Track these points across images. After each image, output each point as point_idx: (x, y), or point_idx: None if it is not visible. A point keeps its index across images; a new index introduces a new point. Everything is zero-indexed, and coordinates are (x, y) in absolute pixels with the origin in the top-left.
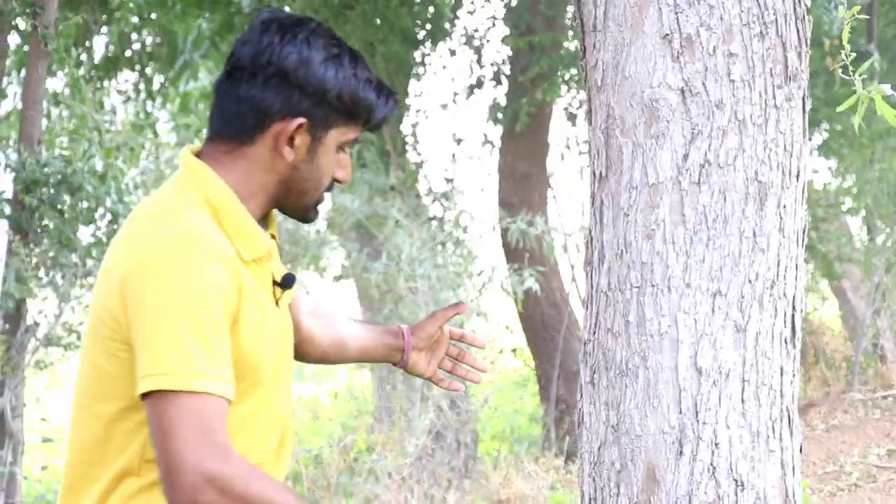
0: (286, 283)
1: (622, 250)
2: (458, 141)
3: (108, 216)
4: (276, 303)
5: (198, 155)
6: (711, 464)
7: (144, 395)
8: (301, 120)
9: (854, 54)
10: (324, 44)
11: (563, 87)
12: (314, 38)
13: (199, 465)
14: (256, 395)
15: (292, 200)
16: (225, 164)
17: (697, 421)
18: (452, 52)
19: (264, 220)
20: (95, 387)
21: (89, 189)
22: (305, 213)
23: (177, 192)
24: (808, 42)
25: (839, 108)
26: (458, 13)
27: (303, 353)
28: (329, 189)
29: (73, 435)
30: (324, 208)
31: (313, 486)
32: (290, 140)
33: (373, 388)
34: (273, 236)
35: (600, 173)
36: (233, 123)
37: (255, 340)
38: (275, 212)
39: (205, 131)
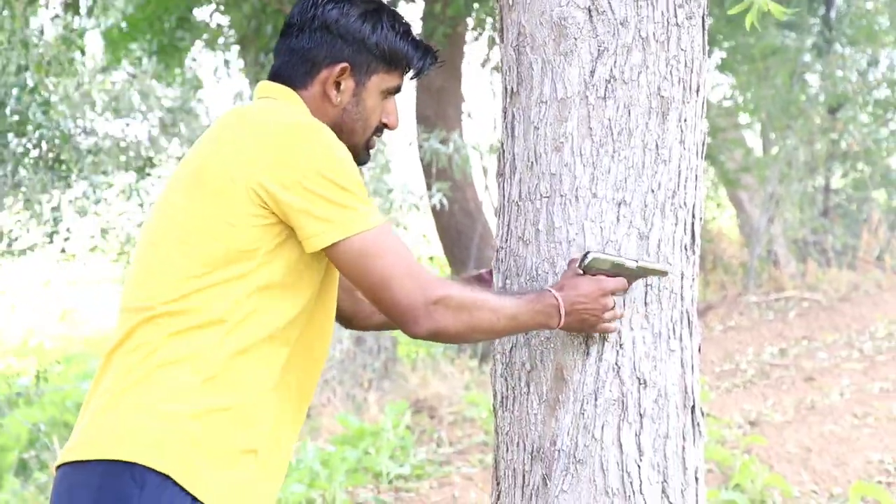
0: None
1: (532, 162)
2: None
3: (37, 132)
4: None
5: None
6: (616, 363)
7: (332, 248)
8: (344, 64)
9: None
10: (363, 1)
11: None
12: (365, 3)
13: (428, 299)
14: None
15: (343, 140)
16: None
17: None
18: None
19: None
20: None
21: (12, 103)
22: (357, 154)
23: (285, 106)
24: None
25: (731, 11)
26: None
27: None
28: (378, 133)
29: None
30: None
31: None
32: (337, 85)
33: None
34: None
35: (511, 89)
36: (288, 73)
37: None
38: None
39: (133, 46)
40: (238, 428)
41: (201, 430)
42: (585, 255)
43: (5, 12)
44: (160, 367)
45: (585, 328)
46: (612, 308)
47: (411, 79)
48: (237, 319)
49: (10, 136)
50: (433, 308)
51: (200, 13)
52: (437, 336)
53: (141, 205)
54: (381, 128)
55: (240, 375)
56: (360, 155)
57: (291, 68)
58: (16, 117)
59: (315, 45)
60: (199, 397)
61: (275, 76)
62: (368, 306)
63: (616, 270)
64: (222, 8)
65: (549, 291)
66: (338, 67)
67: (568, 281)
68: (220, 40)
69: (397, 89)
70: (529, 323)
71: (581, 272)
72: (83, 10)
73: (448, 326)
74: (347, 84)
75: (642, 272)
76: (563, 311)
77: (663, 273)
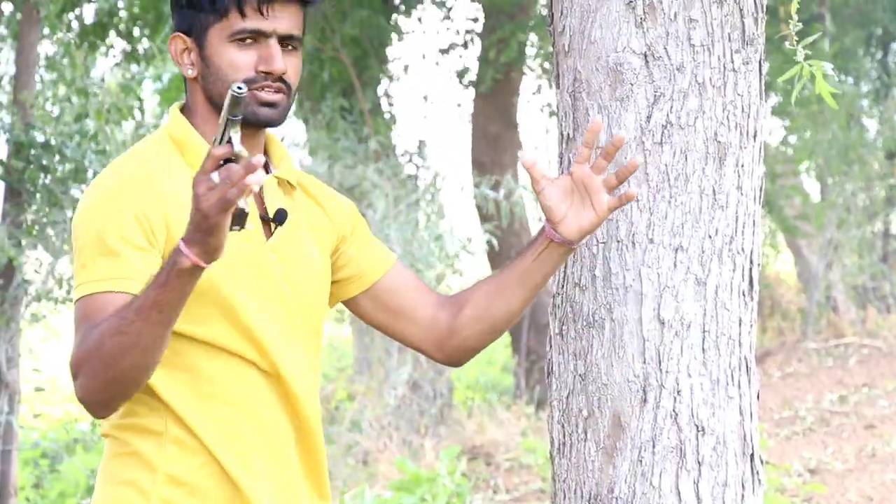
0: (277, 218)
1: None
2: (426, 98)
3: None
4: (269, 234)
5: None
6: (674, 410)
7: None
8: (181, 35)
9: (800, 25)
10: None
11: (530, 51)
12: None
13: (72, 360)
14: (228, 320)
15: (219, 108)
16: (185, 100)
17: (660, 370)
18: (420, 20)
19: (268, 153)
20: None
21: (67, 153)
22: (248, 115)
23: (151, 137)
24: (765, 8)
25: (780, 79)
26: None
27: (465, 339)
28: (265, 84)
29: None
30: (281, 109)
31: None
32: (185, 58)
33: (352, 340)
34: (277, 178)
35: (567, 134)
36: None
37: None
38: (283, 150)
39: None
40: None
41: None
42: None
43: (65, 60)
44: None
45: (207, 228)
46: (215, 188)
47: (256, 9)
48: None
49: (70, 183)
50: (76, 379)
51: None
52: (85, 404)
53: None
54: (262, 77)
55: None
56: (258, 114)
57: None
58: (72, 165)
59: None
60: None
61: None
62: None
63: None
64: None
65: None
66: (177, 40)
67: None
68: None
69: (246, 31)
70: (161, 287)
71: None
72: (141, 59)
73: (86, 387)
74: (191, 50)
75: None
76: (183, 246)
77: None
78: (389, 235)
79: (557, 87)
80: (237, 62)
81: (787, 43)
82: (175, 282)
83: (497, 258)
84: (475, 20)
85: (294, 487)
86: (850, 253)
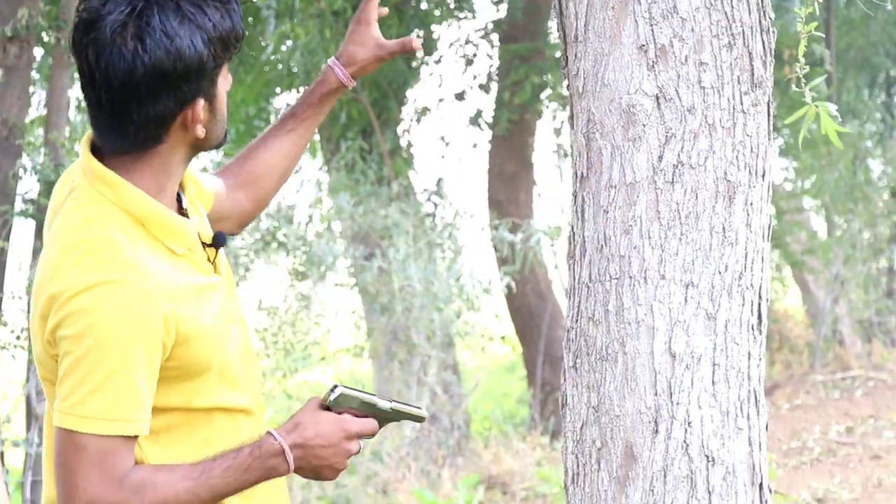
0: (217, 242)
1: (602, 244)
2: (443, 139)
3: None
4: (215, 268)
5: (101, 160)
6: (685, 441)
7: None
8: (200, 101)
9: (807, 67)
10: (176, 18)
11: (546, 92)
12: (166, 20)
13: (89, 496)
14: (223, 379)
15: (209, 147)
16: (138, 169)
17: (672, 402)
18: (438, 61)
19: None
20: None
21: None
22: (220, 145)
23: (100, 215)
24: (773, 52)
25: (787, 121)
26: (450, 25)
27: (265, 192)
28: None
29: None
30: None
31: None
32: (199, 121)
33: (372, 373)
34: (190, 201)
35: (581, 173)
36: (136, 141)
37: (210, 333)
38: (190, 172)
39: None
40: None
41: None
42: (333, 389)
43: None
44: None
45: (321, 474)
46: (357, 452)
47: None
48: None
49: None
50: None
51: (278, 101)
52: None
53: None
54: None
55: None
56: (224, 142)
57: (141, 135)
58: None
59: (161, 102)
60: None
61: (121, 147)
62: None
63: (366, 410)
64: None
65: (271, 435)
66: (195, 107)
67: (305, 416)
68: None
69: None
70: (249, 480)
71: (326, 408)
72: None
73: None
74: (205, 110)
75: (396, 415)
76: (289, 456)
77: (419, 419)
78: (411, 274)
79: (572, 127)
80: (225, 99)
81: (794, 86)
82: (264, 474)
83: (514, 298)
84: (491, 66)
85: None
86: (855, 288)
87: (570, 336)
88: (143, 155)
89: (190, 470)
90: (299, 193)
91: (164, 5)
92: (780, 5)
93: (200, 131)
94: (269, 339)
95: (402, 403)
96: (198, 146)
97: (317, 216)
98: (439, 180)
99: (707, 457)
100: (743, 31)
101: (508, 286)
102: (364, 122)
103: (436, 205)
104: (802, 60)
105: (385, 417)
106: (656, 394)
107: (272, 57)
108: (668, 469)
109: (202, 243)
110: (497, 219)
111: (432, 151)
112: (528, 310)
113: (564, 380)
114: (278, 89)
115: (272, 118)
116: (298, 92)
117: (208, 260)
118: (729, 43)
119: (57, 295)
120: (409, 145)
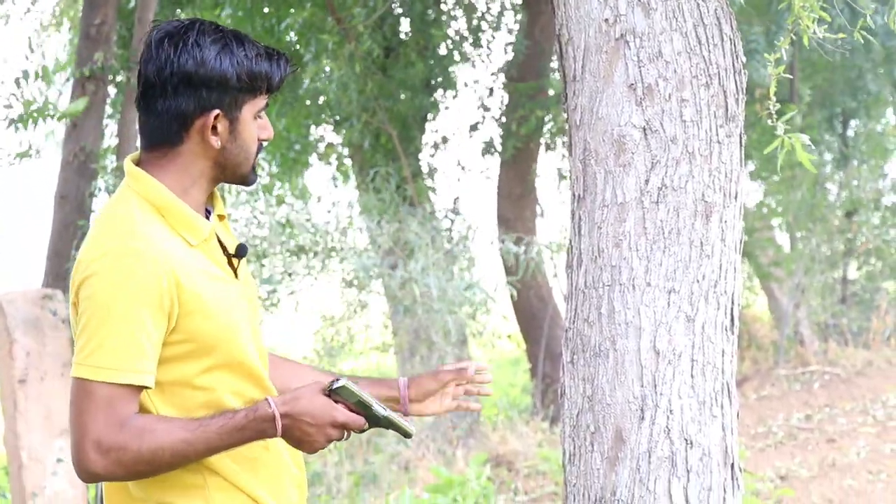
0: (239, 252)
1: (596, 256)
2: (459, 163)
3: None
4: (235, 273)
5: (139, 163)
6: (667, 426)
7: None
8: (215, 111)
9: (778, 105)
10: (212, 39)
11: (548, 125)
12: (202, 38)
13: (94, 436)
14: (241, 373)
15: (230, 173)
16: (163, 166)
17: (656, 392)
18: (455, 95)
19: (211, 200)
20: None
21: None
22: (245, 180)
23: (125, 200)
24: (745, 91)
25: (765, 151)
26: (465, 65)
27: None
28: (259, 151)
29: None
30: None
31: (349, 445)
32: (213, 129)
33: (396, 366)
34: (221, 216)
35: (578, 195)
36: (160, 133)
37: (217, 312)
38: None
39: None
40: None
41: None
42: (337, 380)
43: None
44: None
45: (301, 447)
46: (339, 439)
47: (276, 89)
48: None
49: None
50: (94, 455)
51: (317, 131)
52: (95, 477)
53: None
54: (261, 145)
55: None
56: (248, 179)
57: (164, 129)
58: None
59: (182, 102)
60: None
61: (149, 141)
62: None
63: (361, 409)
64: (333, 126)
65: (267, 402)
66: (211, 116)
67: (304, 393)
68: (333, 156)
69: (266, 105)
70: (241, 438)
71: (327, 393)
72: None
73: (113, 472)
74: (223, 125)
75: (387, 423)
76: (279, 423)
77: (407, 434)
78: (429, 283)
79: (570, 154)
80: (254, 133)
81: (768, 121)
82: (255, 436)
83: (519, 302)
84: (501, 100)
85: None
86: (814, 295)
87: (568, 335)
88: (168, 153)
89: (188, 423)
90: (331, 213)
91: (206, 31)
92: (750, 50)
93: (215, 142)
94: (326, 339)
95: (396, 417)
96: (219, 164)
97: (351, 234)
98: (456, 199)
99: (686, 440)
100: (719, 72)
101: (511, 292)
102: (390, 149)
103: (452, 221)
104: (774, 98)
105: (376, 422)
106: (642, 385)
107: (311, 86)
108: (653, 451)
109: (228, 254)
110: (504, 234)
111: (450, 174)
112: (531, 312)
113: (563, 373)
114: (310, 122)
115: (310, 146)
116: (330, 123)
117: (230, 265)
118: (707, 82)
119: (80, 262)
120: (433, 169)
